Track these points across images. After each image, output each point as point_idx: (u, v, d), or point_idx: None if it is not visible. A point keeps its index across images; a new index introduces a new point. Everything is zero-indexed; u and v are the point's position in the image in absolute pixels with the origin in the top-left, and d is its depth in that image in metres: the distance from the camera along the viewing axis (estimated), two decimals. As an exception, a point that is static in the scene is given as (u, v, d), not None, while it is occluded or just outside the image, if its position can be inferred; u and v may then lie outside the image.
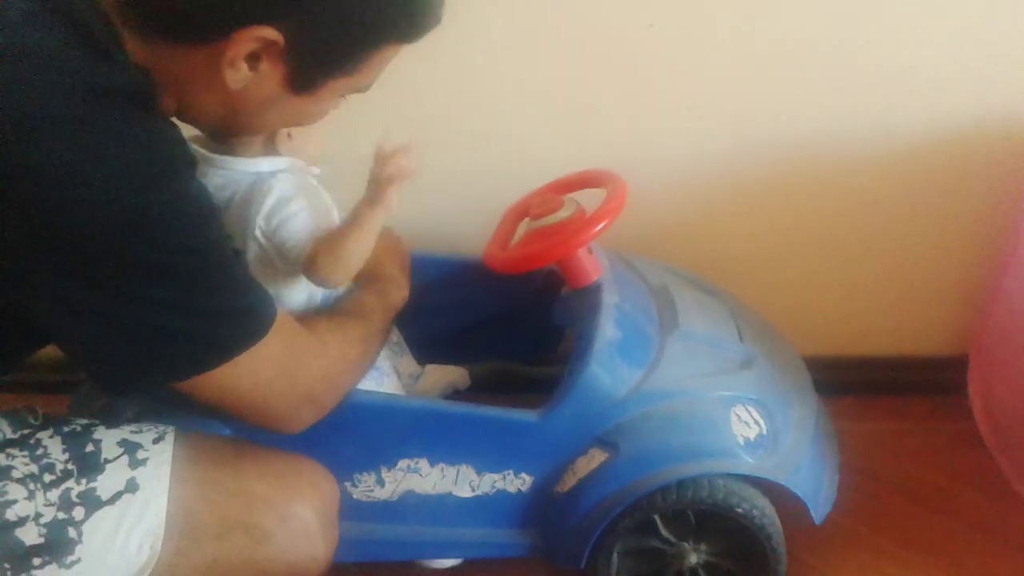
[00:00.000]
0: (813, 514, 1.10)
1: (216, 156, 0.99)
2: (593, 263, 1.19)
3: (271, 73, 0.80)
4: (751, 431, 1.09)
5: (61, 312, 0.74)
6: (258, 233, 0.98)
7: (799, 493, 1.08)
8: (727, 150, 1.41)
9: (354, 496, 1.08)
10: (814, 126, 1.40)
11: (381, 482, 1.08)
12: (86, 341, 0.77)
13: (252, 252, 0.99)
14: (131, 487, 0.83)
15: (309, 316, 0.98)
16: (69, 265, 0.71)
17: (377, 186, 0.96)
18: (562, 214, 1.17)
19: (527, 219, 1.22)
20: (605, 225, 1.11)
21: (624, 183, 1.17)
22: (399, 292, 1.11)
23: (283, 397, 0.88)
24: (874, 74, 1.36)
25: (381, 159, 0.95)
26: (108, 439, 0.86)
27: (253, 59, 0.78)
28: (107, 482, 0.83)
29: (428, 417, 1.09)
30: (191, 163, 0.79)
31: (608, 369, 1.08)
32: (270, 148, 1.01)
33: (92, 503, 0.82)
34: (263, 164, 1.00)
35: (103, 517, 0.82)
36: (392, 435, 1.07)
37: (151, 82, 0.76)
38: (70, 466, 0.83)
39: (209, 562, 0.86)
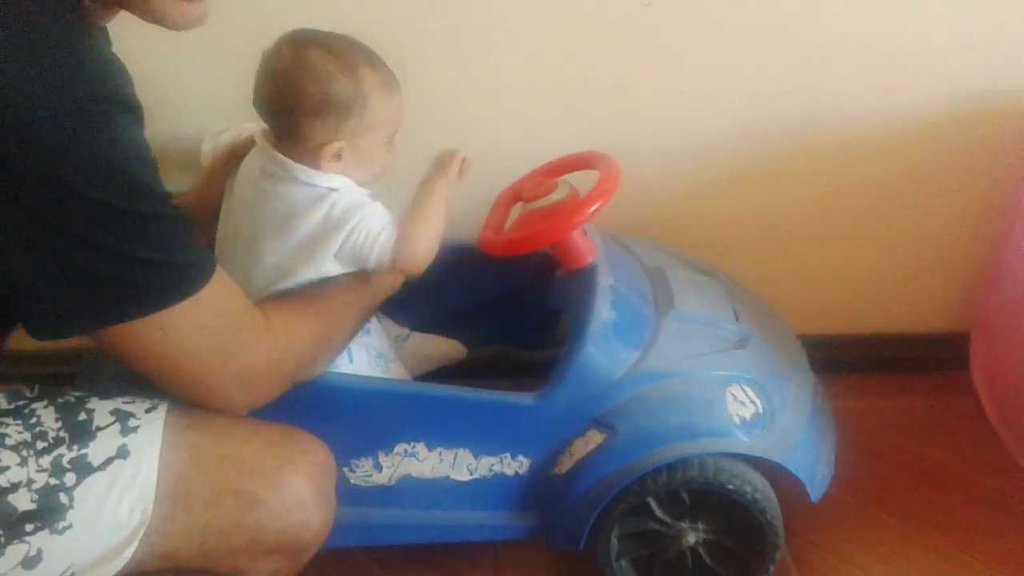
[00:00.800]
0: (810, 491, 1.10)
1: (279, 156, 1.01)
2: (588, 245, 1.19)
3: None
4: (747, 410, 1.09)
5: None
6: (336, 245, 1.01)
7: (795, 471, 1.08)
8: (722, 129, 1.40)
9: (352, 481, 1.09)
10: (811, 104, 1.39)
11: (379, 467, 1.09)
12: (19, 277, 0.76)
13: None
14: (122, 453, 0.84)
15: (271, 298, 0.98)
16: (5, 196, 0.71)
17: (441, 161, 1.09)
18: (555, 196, 1.17)
19: (520, 202, 1.22)
20: (599, 206, 1.11)
21: (617, 164, 1.17)
22: (389, 278, 1.10)
23: (214, 373, 0.86)
24: (871, 51, 1.35)
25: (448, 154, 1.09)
26: (101, 408, 0.87)
27: None
28: (98, 449, 0.84)
29: (425, 401, 1.09)
30: (133, 108, 0.77)
31: (604, 350, 1.08)
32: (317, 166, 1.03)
33: (83, 469, 0.83)
34: (320, 179, 1.02)
35: (94, 483, 0.83)
36: (389, 420, 1.08)
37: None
38: (62, 433, 0.84)
39: (200, 527, 0.86)
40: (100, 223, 0.74)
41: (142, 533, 0.84)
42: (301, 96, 0.98)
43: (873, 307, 1.56)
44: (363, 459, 1.08)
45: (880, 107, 1.39)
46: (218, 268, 0.85)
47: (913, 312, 1.56)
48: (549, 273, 1.27)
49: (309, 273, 1.02)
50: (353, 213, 1.01)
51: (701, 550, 1.11)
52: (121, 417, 0.87)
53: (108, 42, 0.87)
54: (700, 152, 1.42)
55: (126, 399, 0.90)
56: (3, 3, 0.71)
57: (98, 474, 0.83)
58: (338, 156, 1.01)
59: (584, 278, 1.17)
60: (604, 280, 1.15)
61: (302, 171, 1.01)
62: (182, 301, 0.81)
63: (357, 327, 1.07)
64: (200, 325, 0.83)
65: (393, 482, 1.09)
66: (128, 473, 0.84)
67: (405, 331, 1.19)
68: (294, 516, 0.90)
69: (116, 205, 0.74)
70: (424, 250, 1.04)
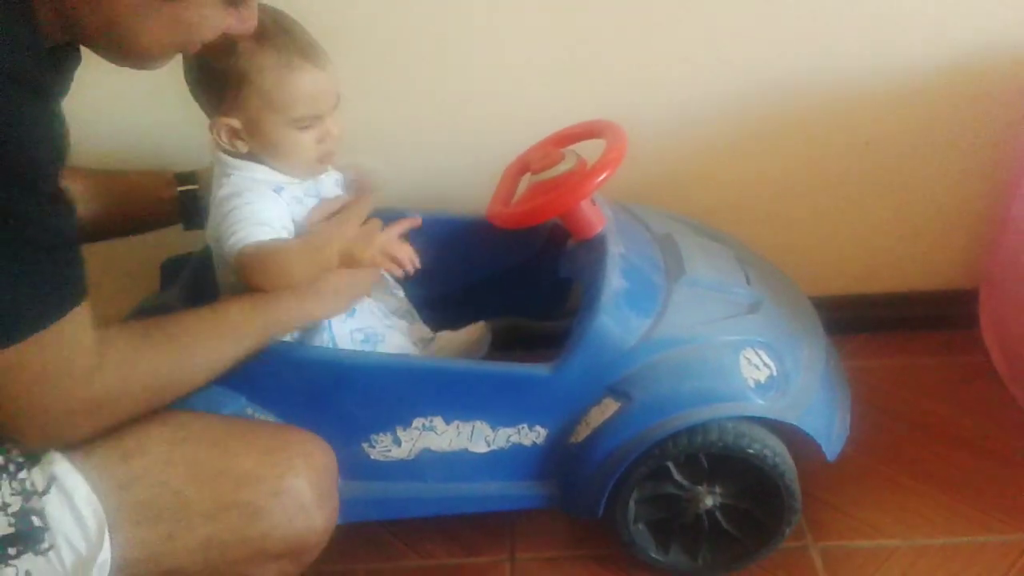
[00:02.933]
0: (826, 452, 1.10)
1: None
2: (597, 214, 1.19)
3: None
4: (761, 374, 1.10)
5: None
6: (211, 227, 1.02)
7: (811, 432, 1.09)
8: (726, 93, 1.40)
9: (372, 456, 1.10)
10: (812, 64, 1.38)
11: (398, 441, 1.10)
12: None
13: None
14: (51, 478, 0.83)
15: (125, 329, 0.89)
16: None
17: (360, 257, 1.04)
18: (563, 167, 1.16)
19: (529, 174, 1.22)
20: (607, 175, 1.11)
21: (624, 132, 1.17)
22: (300, 307, 1.03)
23: (48, 400, 0.81)
24: (871, 8, 1.34)
25: (370, 237, 1.04)
26: None
27: None
28: (38, 474, 0.82)
29: (440, 375, 1.10)
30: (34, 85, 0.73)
31: (616, 319, 1.09)
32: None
33: (33, 494, 0.82)
34: (226, 160, 1.04)
35: (47, 503, 0.82)
36: (406, 395, 1.09)
37: None
38: (20, 458, 0.83)
39: (203, 543, 0.86)
40: None
41: (105, 542, 0.82)
42: (188, 69, 1.01)
43: (881, 266, 1.56)
44: (382, 434, 1.09)
45: (880, 65, 1.38)
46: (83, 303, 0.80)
47: (921, 270, 1.56)
48: (560, 243, 1.27)
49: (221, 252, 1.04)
50: (228, 199, 1.02)
51: (718, 513, 1.12)
52: None
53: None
54: (705, 118, 1.41)
55: None
56: None
57: (46, 496, 0.82)
58: (234, 134, 1.02)
59: (594, 247, 1.17)
60: (614, 249, 1.15)
61: (216, 153, 1.04)
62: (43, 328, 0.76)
63: (236, 354, 0.97)
64: (19, 365, 0.77)
65: (412, 456, 1.10)
66: (65, 490, 0.82)
67: (429, 333, 1.19)
68: (297, 522, 0.90)
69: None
70: (265, 279, 0.98)
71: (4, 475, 0.82)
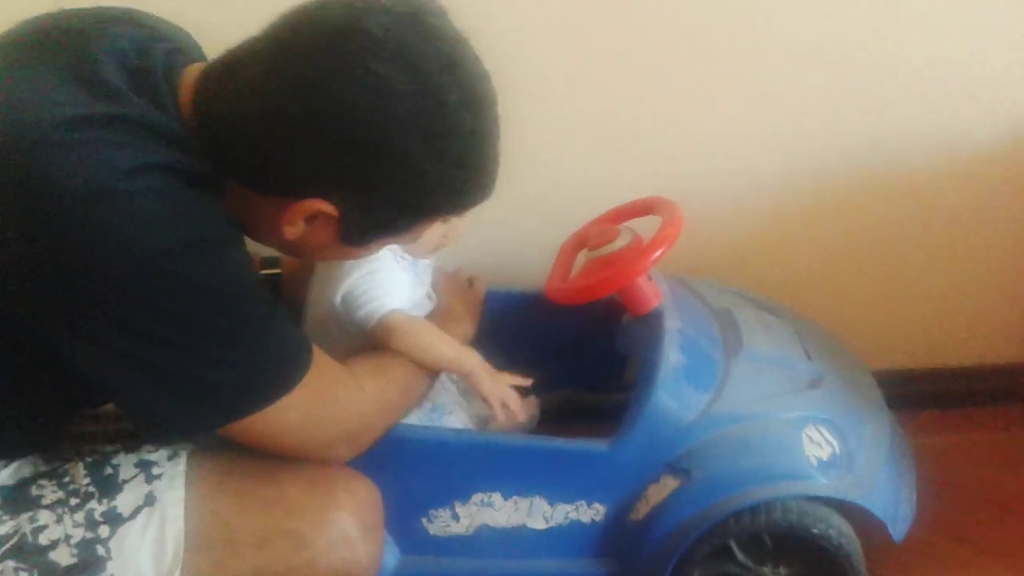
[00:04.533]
0: (892, 532, 1.08)
1: None
2: (653, 289, 1.19)
3: (325, 230, 0.85)
4: (824, 451, 1.08)
5: (107, 366, 0.79)
6: (338, 299, 1.05)
7: (876, 512, 1.06)
8: (783, 165, 1.41)
9: (430, 531, 1.10)
10: (871, 135, 1.39)
11: (456, 517, 1.10)
12: (131, 393, 0.82)
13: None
14: (149, 501, 0.88)
15: (357, 354, 1.01)
16: (114, 322, 0.76)
17: (481, 385, 1.09)
18: (619, 243, 1.18)
19: (585, 250, 1.23)
20: (663, 252, 1.12)
21: (679, 208, 1.18)
22: (460, 327, 1.13)
23: (312, 440, 0.91)
24: (931, 79, 1.35)
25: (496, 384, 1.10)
26: (126, 462, 0.91)
27: (310, 219, 0.83)
28: (126, 499, 0.88)
29: (500, 451, 1.10)
30: (233, 237, 0.83)
31: (675, 395, 1.08)
32: None
33: (115, 520, 0.87)
34: None
35: (127, 532, 0.86)
36: (464, 470, 1.09)
37: (210, 169, 0.81)
38: (91, 488, 0.88)
39: (251, 571, 0.89)
40: (206, 338, 0.79)
41: (178, 572, 0.86)
42: None
43: (945, 340, 1.54)
44: (441, 509, 1.09)
45: (940, 136, 1.39)
46: (314, 349, 0.90)
47: (986, 343, 1.54)
48: (615, 317, 1.27)
49: (324, 318, 1.07)
50: (358, 265, 1.05)
51: (782, 594, 1.10)
52: (144, 467, 0.91)
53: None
54: (762, 191, 1.43)
55: (149, 448, 0.93)
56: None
57: (129, 523, 0.87)
58: None
59: (651, 323, 1.17)
60: (671, 324, 1.16)
61: None
62: (287, 394, 0.86)
63: (427, 387, 1.10)
64: (301, 403, 0.87)
65: (471, 532, 1.10)
66: (157, 518, 0.87)
67: (487, 411, 1.20)
68: (341, 554, 0.91)
69: (224, 322, 0.80)
70: (409, 347, 1.04)
71: (64, 509, 0.87)
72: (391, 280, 1.07)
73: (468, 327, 1.16)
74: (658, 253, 1.12)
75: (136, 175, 0.75)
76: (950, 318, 1.52)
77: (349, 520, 0.92)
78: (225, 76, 0.81)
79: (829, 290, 1.49)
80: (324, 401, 0.90)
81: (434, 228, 1.06)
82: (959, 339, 1.54)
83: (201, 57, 0.92)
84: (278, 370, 0.86)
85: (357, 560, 0.93)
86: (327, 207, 0.81)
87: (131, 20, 0.89)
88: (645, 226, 1.20)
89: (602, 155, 1.40)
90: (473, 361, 1.09)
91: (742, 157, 1.41)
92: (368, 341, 1.06)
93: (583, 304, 1.20)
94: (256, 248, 1.14)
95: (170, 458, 0.92)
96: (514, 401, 1.11)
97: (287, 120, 0.77)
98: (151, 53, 0.84)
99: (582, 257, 1.26)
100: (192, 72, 0.84)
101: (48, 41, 0.83)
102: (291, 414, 0.87)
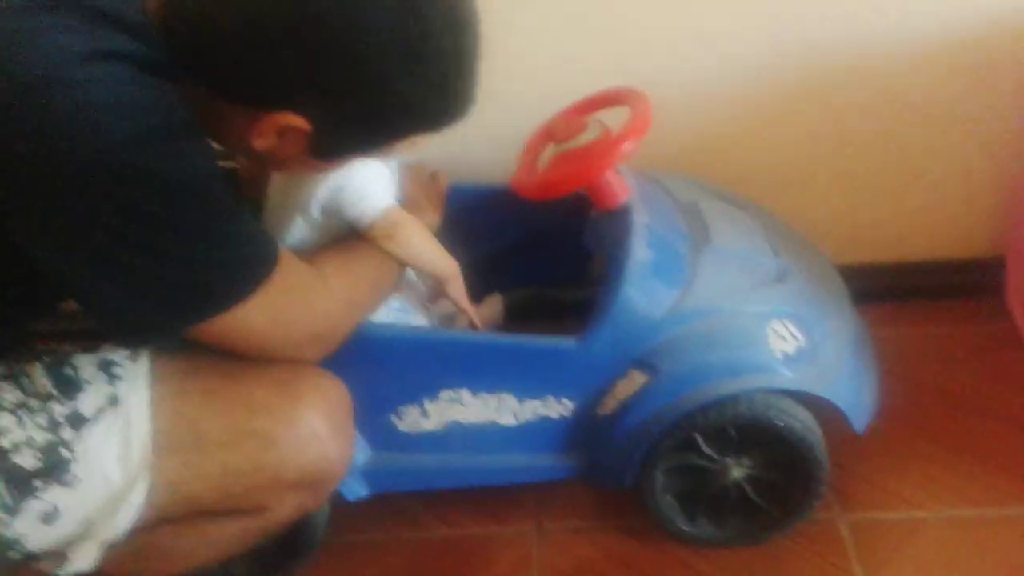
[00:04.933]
0: (854, 424, 1.10)
1: None
2: (621, 184, 1.17)
3: (295, 143, 0.82)
4: (789, 345, 1.09)
5: (67, 262, 0.77)
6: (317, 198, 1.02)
7: (840, 404, 1.08)
8: (749, 59, 1.37)
9: (400, 428, 1.11)
10: (837, 28, 1.36)
11: (425, 414, 1.10)
12: (91, 292, 0.80)
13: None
14: (112, 401, 0.87)
15: (320, 254, 0.98)
16: (75, 215, 0.74)
17: (459, 293, 1.10)
18: (587, 136, 1.15)
19: (552, 143, 1.21)
20: (632, 145, 1.10)
21: (648, 100, 1.15)
22: (424, 217, 1.10)
23: (280, 341, 0.90)
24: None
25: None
26: (85, 362, 0.89)
27: (281, 132, 0.81)
28: (88, 400, 0.86)
29: (466, 348, 1.10)
30: (191, 127, 0.79)
31: (643, 291, 1.08)
32: None
33: (78, 421, 0.85)
34: None
35: (90, 433, 0.85)
36: (432, 368, 1.09)
37: (171, 63, 0.77)
38: (52, 391, 0.87)
39: (219, 469, 0.88)
40: (169, 234, 0.77)
41: (145, 473, 0.85)
42: None
43: (907, 234, 1.54)
44: (410, 406, 1.09)
45: (906, 28, 1.36)
46: (281, 248, 0.88)
47: (947, 237, 1.54)
48: (581, 212, 1.26)
49: (295, 222, 1.05)
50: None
51: (745, 484, 1.12)
52: (104, 367, 0.89)
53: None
54: (729, 84, 1.40)
55: (108, 347, 0.91)
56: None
57: (92, 425, 0.85)
58: None
59: (619, 218, 1.16)
60: (639, 219, 1.14)
61: None
62: (253, 293, 0.83)
63: (394, 283, 1.08)
64: (268, 304, 0.85)
65: (441, 428, 1.10)
66: (121, 419, 0.86)
67: (451, 309, 1.19)
68: (311, 451, 0.91)
69: (187, 217, 0.77)
70: (399, 249, 1.03)
71: (24, 411, 0.85)
72: (380, 176, 1.05)
73: (433, 217, 1.14)
74: (627, 146, 1.09)
75: (92, 61, 0.71)
76: (913, 213, 1.52)
77: (317, 418, 0.92)
78: None
79: (794, 185, 1.48)
80: (292, 301, 0.88)
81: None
82: (922, 234, 1.54)
83: None
84: (244, 268, 0.83)
85: (327, 457, 0.93)
86: (299, 121, 0.79)
87: None
88: (614, 118, 1.17)
89: (570, 44, 1.35)
90: (455, 267, 1.09)
91: (710, 51, 1.37)
92: (329, 239, 1.04)
93: (549, 199, 1.18)
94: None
95: (131, 358, 0.90)
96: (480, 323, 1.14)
97: (265, 29, 0.74)
98: None
99: (549, 151, 1.23)
100: None
101: None
102: (258, 315, 0.85)
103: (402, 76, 0.77)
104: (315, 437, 0.91)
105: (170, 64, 0.77)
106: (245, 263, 0.84)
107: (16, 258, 0.77)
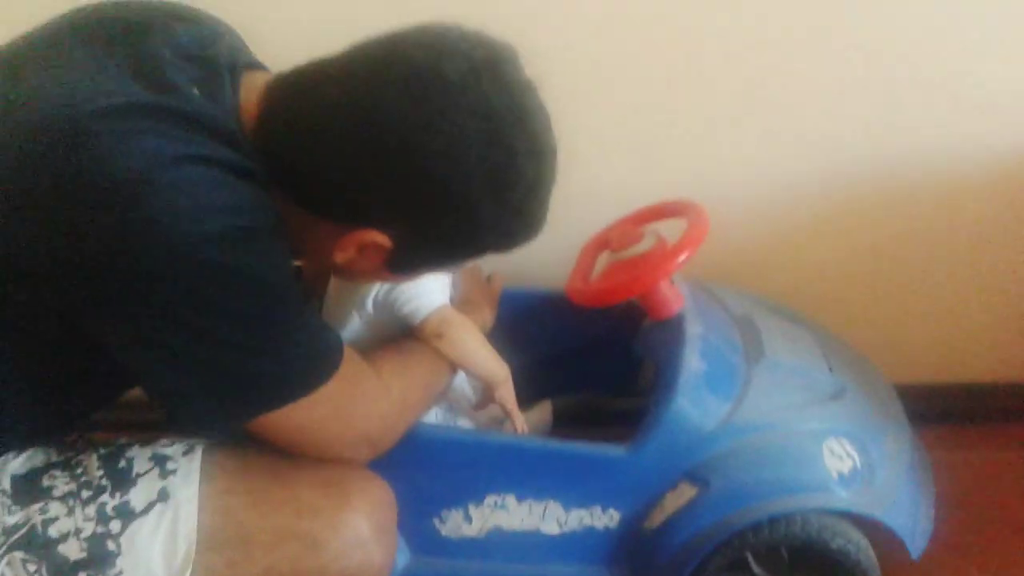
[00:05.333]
0: (911, 548, 1.06)
1: None
2: (675, 294, 1.18)
3: (374, 258, 0.86)
4: (844, 464, 1.06)
5: (144, 355, 0.79)
6: (372, 297, 1.04)
7: (895, 528, 1.05)
8: (809, 174, 1.39)
9: (442, 533, 1.09)
10: (899, 148, 1.37)
11: (469, 519, 1.08)
12: (166, 383, 0.82)
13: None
14: (162, 496, 0.86)
15: (377, 353, 0.99)
16: (156, 310, 0.76)
17: (508, 398, 1.10)
18: (643, 246, 1.16)
19: (608, 251, 1.22)
20: (687, 256, 1.11)
21: (705, 212, 1.16)
22: (479, 315, 1.12)
23: (337, 438, 0.90)
24: (962, 93, 1.33)
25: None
26: (140, 455, 0.90)
27: (362, 248, 0.84)
28: (139, 494, 0.86)
29: (515, 452, 1.09)
30: (276, 229, 0.81)
31: (695, 402, 1.07)
32: None
33: (127, 514, 0.85)
34: None
35: (139, 527, 0.85)
36: (479, 471, 1.08)
37: (262, 172, 0.80)
38: (104, 482, 0.87)
39: (262, 571, 0.87)
40: (243, 327, 0.79)
41: (189, 570, 0.84)
42: None
43: (967, 355, 1.52)
44: (453, 510, 1.08)
45: (968, 154, 1.37)
46: (345, 346, 0.89)
47: (1009, 360, 1.51)
48: (633, 320, 1.26)
49: (351, 317, 1.06)
50: None
51: (797, 608, 1.08)
52: (159, 461, 0.89)
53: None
54: (787, 198, 1.41)
55: (164, 442, 0.91)
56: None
57: (142, 519, 0.85)
58: None
59: (672, 328, 1.16)
60: (692, 330, 1.14)
61: None
62: (318, 388, 0.85)
63: (446, 386, 1.08)
64: (326, 400, 0.86)
65: (483, 534, 1.08)
66: (170, 514, 0.86)
67: (501, 413, 1.19)
68: (355, 556, 0.90)
69: (265, 314, 0.79)
70: (451, 349, 1.04)
71: (75, 501, 0.85)
72: (434, 274, 1.07)
73: (487, 315, 1.15)
74: (682, 257, 1.10)
75: (181, 163, 0.74)
76: (971, 333, 1.50)
77: (363, 522, 0.91)
78: (298, 94, 0.81)
79: (852, 301, 1.47)
80: (352, 398, 0.89)
81: None
82: (983, 354, 1.52)
83: (255, 60, 0.92)
84: (311, 363, 0.85)
85: (370, 562, 0.91)
86: (382, 238, 0.83)
87: (194, 18, 0.89)
88: (669, 229, 1.18)
89: (628, 157, 1.38)
90: (506, 371, 1.09)
91: (767, 164, 1.39)
92: (383, 336, 1.05)
93: (603, 307, 1.18)
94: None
95: (185, 453, 0.90)
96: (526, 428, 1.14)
97: (359, 152, 0.78)
98: (215, 48, 0.84)
99: (604, 259, 1.24)
100: (255, 79, 0.85)
101: (108, 29, 0.82)
102: (319, 409, 0.86)
103: (486, 202, 0.81)
104: (360, 542, 0.90)
105: (259, 171, 0.80)
106: (313, 358, 0.85)
107: (93, 351, 0.79)
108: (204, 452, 0.90)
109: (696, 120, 1.36)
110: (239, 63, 0.85)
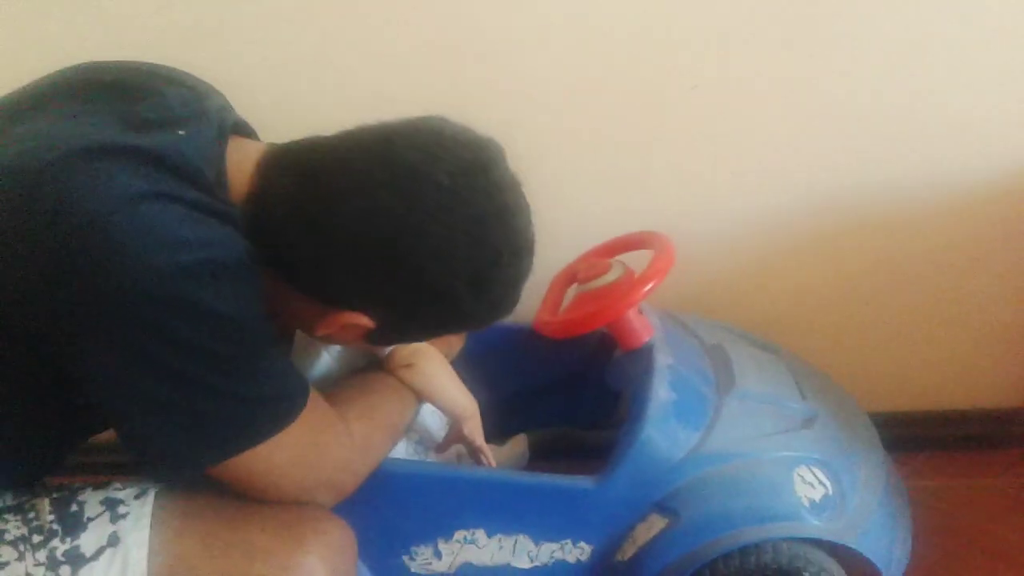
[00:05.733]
0: (885, 576, 1.05)
1: None
2: (644, 324, 1.18)
3: (356, 333, 0.90)
4: (816, 492, 1.06)
5: (111, 393, 0.79)
6: None
7: (870, 556, 1.04)
8: (777, 204, 1.39)
9: (412, 569, 1.08)
10: (866, 178, 1.38)
11: (438, 554, 1.07)
12: (130, 423, 0.81)
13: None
14: (112, 541, 0.85)
15: (342, 394, 0.98)
16: (121, 347, 0.75)
17: (476, 434, 1.11)
18: (610, 277, 1.16)
19: (575, 284, 1.22)
20: (654, 285, 1.11)
21: (671, 243, 1.17)
22: (443, 342, 1.12)
23: (297, 484, 0.89)
24: (928, 123, 1.34)
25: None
26: (92, 499, 0.88)
27: (344, 326, 0.88)
28: (90, 539, 0.85)
29: (484, 486, 1.08)
30: (247, 267, 0.81)
31: (664, 432, 1.06)
32: None
33: (77, 560, 0.84)
34: None
35: (88, 572, 0.83)
36: (448, 505, 1.07)
37: (241, 218, 0.82)
38: (55, 526, 0.85)
39: None
40: (212, 370, 0.78)
41: None
42: None
43: (942, 382, 1.51)
44: (423, 546, 1.07)
45: (937, 181, 1.38)
46: (311, 391, 0.89)
47: (984, 386, 1.51)
48: (608, 352, 1.26)
49: (322, 349, 1.06)
50: None
51: (772, 640, 1.06)
52: (110, 506, 0.88)
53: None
54: (756, 229, 1.41)
55: (117, 486, 0.90)
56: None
57: (91, 564, 0.84)
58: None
59: (641, 358, 1.16)
60: (662, 359, 1.14)
61: None
62: (282, 431, 0.84)
63: (412, 420, 1.08)
64: (292, 443, 0.85)
65: (453, 570, 1.07)
66: (120, 559, 0.84)
67: (463, 454, 1.19)
68: None
69: (230, 352, 0.79)
70: (424, 382, 1.05)
71: (26, 546, 0.84)
72: None
73: (453, 342, 1.15)
74: (649, 287, 1.11)
75: (148, 199, 0.75)
76: (946, 361, 1.50)
77: (317, 565, 0.88)
78: (297, 183, 0.83)
79: (823, 330, 1.47)
80: (315, 443, 0.89)
81: None
82: (955, 382, 1.51)
83: (243, 122, 0.94)
84: (276, 405, 0.84)
85: None
86: (366, 321, 0.86)
87: (185, 82, 0.91)
88: (636, 261, 1.18)
89: (596, 191, 1.39)
90: (474, 406, 1.10)
91: (737, 196, 1.40)
92: (350, 368, 1.05)
93: (573, 338, 1.18)
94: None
95: (137, 496, 0.88)
96: (484, 449, 1.14)
97: (353, 246, 0.82)
98: (203, 105, 0.87)
99: (573, 292, 1.24)
100: (245, 145, 0.88)
101: (99, 85, 0.85)
102: (281, 453, 0.85)
103: (467, 298, 0.84)
104: None
105: (236, 218, 0.81)
106: (278, 400, 0.85)
107: (56, 388, 0.79)
108: (157, 496, 0.88)
109: (661, 154, 1.36)
110: (227, 122, 0.88)
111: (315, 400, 0.89)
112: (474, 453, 1.12)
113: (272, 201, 0.83)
